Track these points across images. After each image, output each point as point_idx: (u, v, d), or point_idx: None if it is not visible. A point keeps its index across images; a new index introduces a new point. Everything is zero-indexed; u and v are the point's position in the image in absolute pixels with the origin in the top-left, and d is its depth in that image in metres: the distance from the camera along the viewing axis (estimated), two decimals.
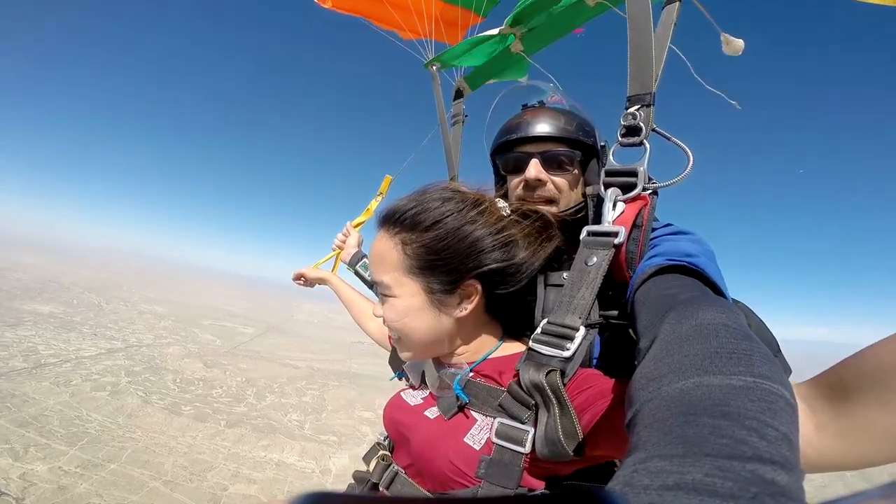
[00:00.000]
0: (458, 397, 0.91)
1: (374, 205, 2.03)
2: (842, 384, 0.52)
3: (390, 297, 0.95)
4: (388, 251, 0.95)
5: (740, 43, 1.33)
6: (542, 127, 1.17)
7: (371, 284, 1.82)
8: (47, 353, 72.55)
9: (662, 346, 0.53)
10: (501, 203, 0.99)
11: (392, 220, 0.97)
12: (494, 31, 1.73)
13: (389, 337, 1.50)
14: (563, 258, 1.05)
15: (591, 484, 0.96)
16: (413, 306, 0.94)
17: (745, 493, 0.29)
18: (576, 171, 1.18)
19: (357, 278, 1.94)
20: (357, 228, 2.02)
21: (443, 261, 0.92)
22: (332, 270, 2.00)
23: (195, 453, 53.32)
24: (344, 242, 1.98)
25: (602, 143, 1.22)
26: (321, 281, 1.98)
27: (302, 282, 2.00)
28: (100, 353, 79.56)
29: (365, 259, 1.88)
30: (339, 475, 55.47)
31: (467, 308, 0.96)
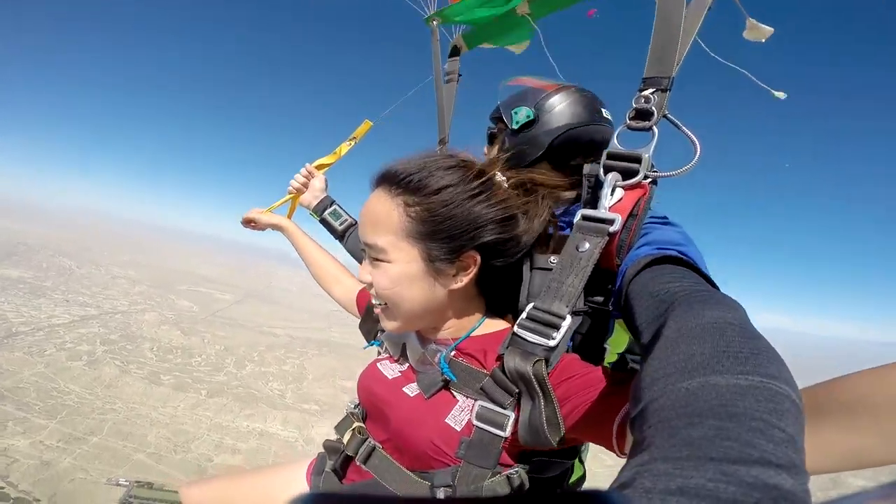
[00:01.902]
0: (442, 374, 0.91)
1: (345, 149, 1.85)
2: (817, 405, 0.54)
3: (384, 261, 0.91)
4: (386, 212, 0.90)
5: (768, 30, 1.28)
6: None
7: (340, 235, 1.72)
8: (18, 321, 70.72)
9: (667, 344, 0.52)
10: (500, 177, 0.97)
11: (394, 180, 0.91)
12: None
13: (359, 302, 1.44)
14: (549, 240, 1.02)
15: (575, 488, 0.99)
16: (408, 273, 0.90)
17: (748, 498, 0.29)
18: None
19: (324, 227, 1.77)
20: (321, 171, 1.82)
21: (447, 228, 0.89)
22: (288, 216, 1.81)
23: (177, 424, 53.56)
24: (305, 185, 1.79)
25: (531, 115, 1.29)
26: (276, 227, 1.77)
27: (252, 226, 1.79)
28: (73, 321, 77.93)
29: (336, 206, 1.75)
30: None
31: (463, 280, 0.93)
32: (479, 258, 0.92)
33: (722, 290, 0.74)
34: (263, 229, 1.80)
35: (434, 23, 1.80)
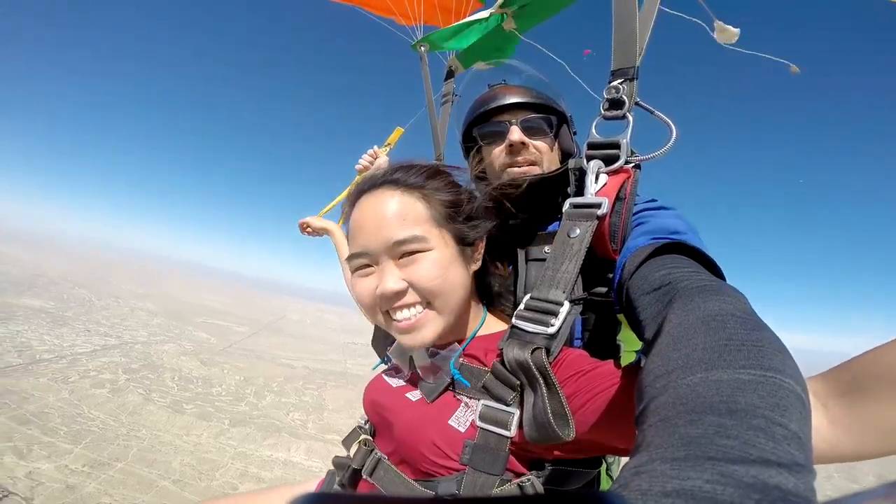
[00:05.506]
0: (454, 379, 0.87)
1: (384, 153, 1.93)
2: (856, 381, 0.52)
3: (422, 251, 0.86)
4: (409, 205, 0.88)
5: (735, 31, 1.28)
6: (517, 96, 1.25)
7: None
8: (42, 348, 70.67)
9: (669, 339, 0.51)
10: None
11: (400, 181, 0.91)
12: (485, 14, 1.75)
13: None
14: (543, 232, 1.05)
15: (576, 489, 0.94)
16: (449, 257, 0.89)
17: (747, 500, 0.28)
18: (552, 135, 1.26)
19: None
20: (384, 152, 1.90)
21: (465, 212, 0.93)
22: (340, 222, 1.84)
23: (202, 452, 52.30)
24: (371, 164, 1.82)
25: (569, 113, 1.31)
26: (325, 231, 1.87)
27: (309, 232, 1.91)
28: (95, 350, 77.79)
29: None
30: None
31: (478, 261, 0.96)
32: (485, 239, 0.98)
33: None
34: (321, 234, 1.89)
35: (422, 49, 1.87)
